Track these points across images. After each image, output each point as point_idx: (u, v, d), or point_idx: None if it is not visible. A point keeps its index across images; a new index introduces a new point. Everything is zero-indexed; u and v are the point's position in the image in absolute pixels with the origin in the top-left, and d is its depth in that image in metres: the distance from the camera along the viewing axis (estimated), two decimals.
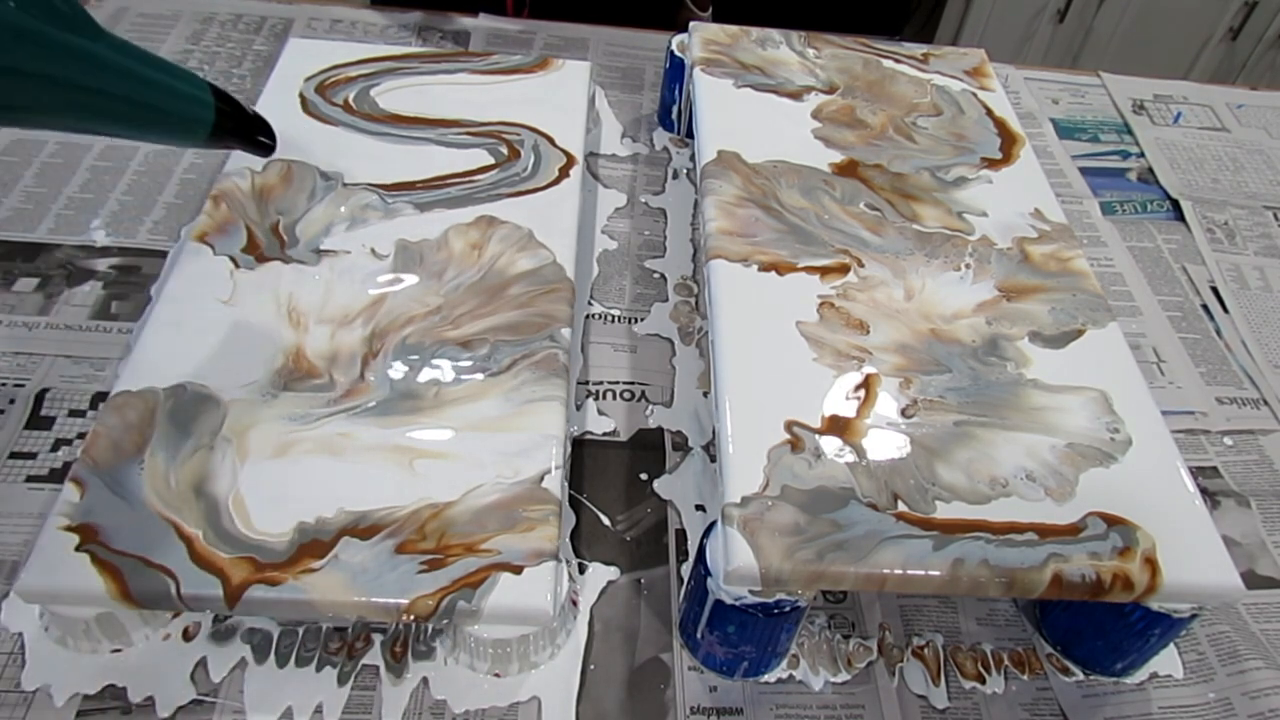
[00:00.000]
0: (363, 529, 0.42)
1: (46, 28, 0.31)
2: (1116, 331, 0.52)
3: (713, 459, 0.54)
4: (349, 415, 0.46)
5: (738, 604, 0.41)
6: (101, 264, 0.60)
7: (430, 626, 0.45)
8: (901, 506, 0.42)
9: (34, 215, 0.63)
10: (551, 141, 0.62)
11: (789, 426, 0.45)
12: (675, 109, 0.74)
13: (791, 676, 0.46)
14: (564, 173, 0.60)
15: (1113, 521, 0.42)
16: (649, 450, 0.54)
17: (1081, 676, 0.47)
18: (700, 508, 0.52)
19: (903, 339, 0.50)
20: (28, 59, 0.31)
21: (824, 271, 0.53)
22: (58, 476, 0.49)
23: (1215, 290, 0.70)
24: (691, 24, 0.72)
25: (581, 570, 0.48)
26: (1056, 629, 0.48)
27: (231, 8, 0.84)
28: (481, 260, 0.54)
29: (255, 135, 0.47)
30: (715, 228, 0.54)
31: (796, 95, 0.66)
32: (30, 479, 0.49)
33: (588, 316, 0.61)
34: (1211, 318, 0.68)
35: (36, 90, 0.32)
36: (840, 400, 0.46)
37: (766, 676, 0.45)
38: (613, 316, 0.61)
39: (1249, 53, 1.66)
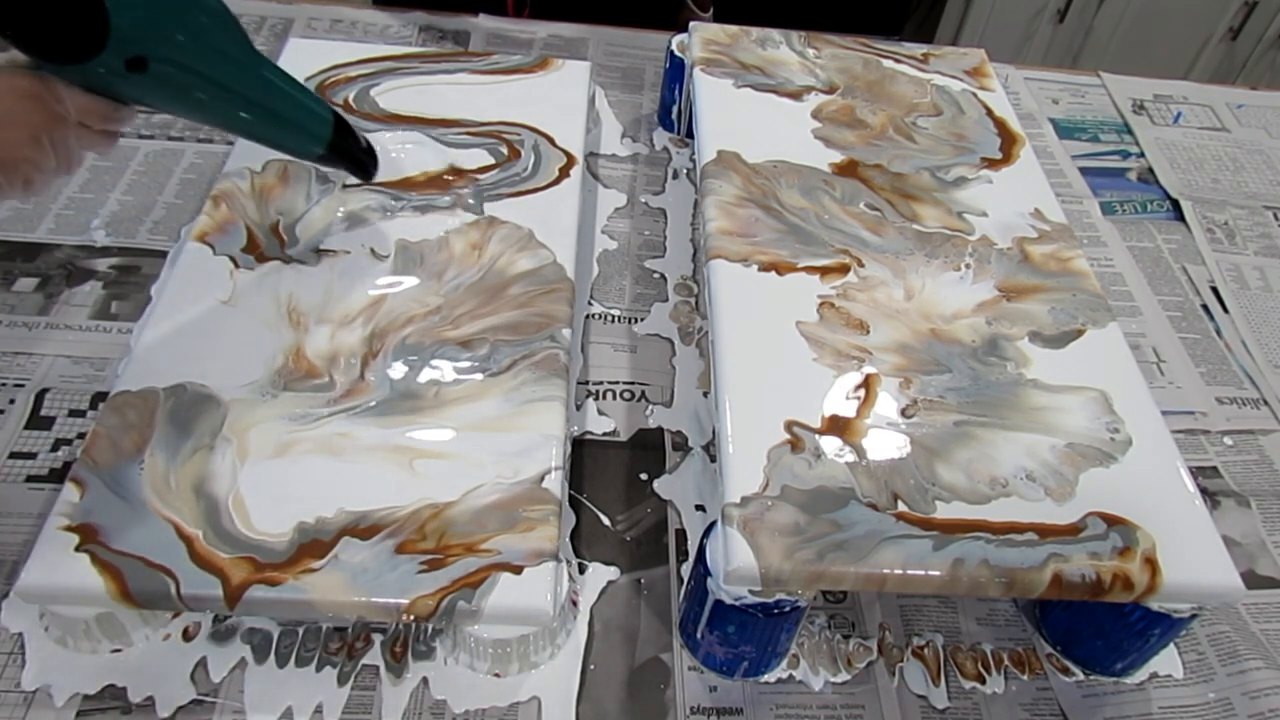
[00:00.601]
0: (363, 529, 0.42)
1: (219, 41, 0.44)
2: (1116, 331, 0.52)
3: (713, 459, 0.54)
4: (349, 415, 0.46)
5: (738, 604, 0.41)
6: (101, 264, 0.60)
7: (430, 626, 0.45)
8: (901, 506, 0.42)
9: (34, 215, 0.63)
10: (551, 141, 0.62)
11: (789, 426, 0.45)
12: (675, 109, 0.74)
13: (791, 676, 0.46)
14: (564, 173, 0.60)
15: (1113, 521, 0.42)
16: (649, 450, 0.54)
17: (1081, 676, 0.47)
18: (700, 508, 0.52)
19: (903, 339, 0.50)
20: (210, 66, 0.43)
21: (824, 271, 0.53)
22: (58, 476, 0.49)
23: (1215, 290, 0.70)
24: (691, 24, 0.72)
25: (581, 570, 0.48)
26: (1056, 629, 0.48)
27: (231, 8, 0.84)
28: (481, 260, 0.54)
29: (361, 158, 0.51)
30: (715, 228, 0.54)
31: (796, 95, 0.66)
32: (30, 479, 0.49)
33: (588, 316, 0.61)
34: (1211, 318, 0.68)
35: (203, 90, 0.43)
36: (840, 400, 0.46)
37: (766, 676, 0.45)
38: (613, 316, 0.61)
39: (1249, 53, 1.65)
